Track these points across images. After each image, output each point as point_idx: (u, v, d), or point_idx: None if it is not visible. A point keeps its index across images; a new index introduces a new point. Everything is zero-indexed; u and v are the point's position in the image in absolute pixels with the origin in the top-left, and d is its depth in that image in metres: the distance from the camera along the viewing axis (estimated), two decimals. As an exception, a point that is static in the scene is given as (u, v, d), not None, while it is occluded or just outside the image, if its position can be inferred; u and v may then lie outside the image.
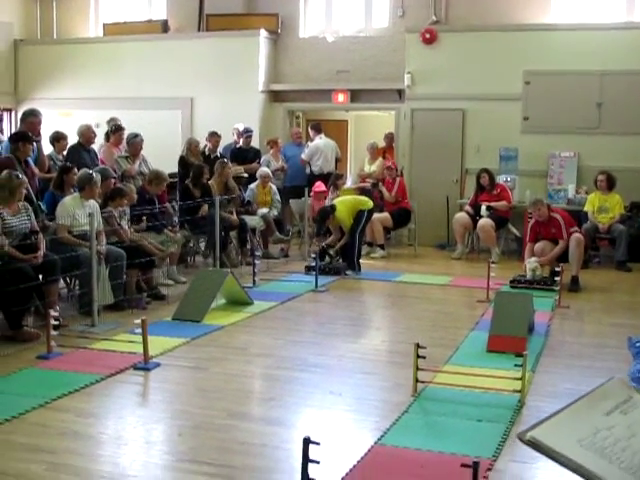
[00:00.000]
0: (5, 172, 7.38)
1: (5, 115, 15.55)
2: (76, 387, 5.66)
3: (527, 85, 12.84)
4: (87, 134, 10.37)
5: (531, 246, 10.02)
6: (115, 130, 11.14)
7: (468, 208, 12.16)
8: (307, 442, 3.73)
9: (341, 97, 14.34)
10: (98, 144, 11.04)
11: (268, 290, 9.32)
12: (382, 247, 12.29)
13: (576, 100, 12.56)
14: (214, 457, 4.46)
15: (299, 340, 7.23)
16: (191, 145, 11.90)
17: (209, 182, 11.05)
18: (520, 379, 5.39)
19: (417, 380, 5.60)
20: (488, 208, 11.81)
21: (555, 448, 1.75)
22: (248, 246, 11.30)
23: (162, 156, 11.82)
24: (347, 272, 10.64)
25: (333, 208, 10.80)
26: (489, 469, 4.31)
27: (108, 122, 11.78)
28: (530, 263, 9.70)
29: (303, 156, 13.30)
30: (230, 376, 6.12)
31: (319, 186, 12.43)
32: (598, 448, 1.74)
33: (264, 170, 12.18)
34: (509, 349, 6.37)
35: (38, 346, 6.67)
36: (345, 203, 10.98)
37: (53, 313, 6.63)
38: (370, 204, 11.20)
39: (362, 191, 13.41)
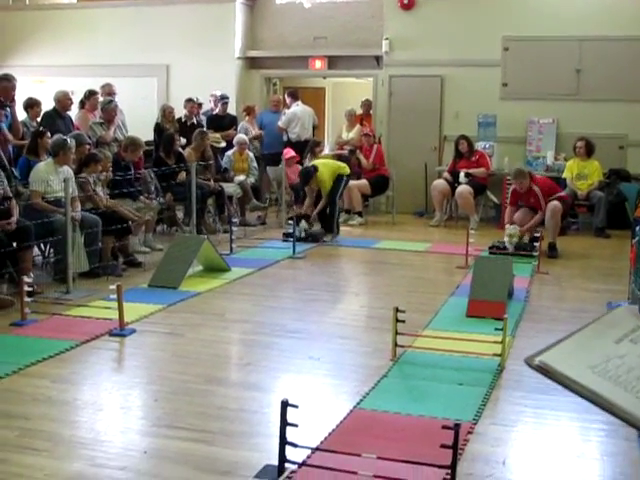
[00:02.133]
0: None
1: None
2: (51, 353, 5.56)
3: (506, 51, 12.75)
4: (63, 100, 10.22)
5: (512, 210, 10.03)
6: (89, 95, 10.98)
7: (446, 175, 12.10)
8: (285, 405, 3.67)
9: (318, 64, 14.20)
10: (74, 112, 10.88)
11: (245, 257, 9.24)
12: (360, 214, 12.23)
13: (555, 66, 12.48)
14: (191, 422, 4.40)
15: (277, 306, 7.17)
16: (165, 111, 11.79)
17: (186, 149, 10.93)
18: (500, 343, 5.35)
19: (396, 344, 5.55)
20: (467, 175, 11.74)
21: (567, 374, 1.67)
22: (225, 213, 11.19)
23: (138, 124, 11.68)
24: (325, 239, 10.60)
25: (315, 168, 10.81)
26: (470, 432, 4.27)
27: (103, 87, 11.61)
28: (509, 229, 9.66)
29: (280, 123, 13.15)
30: (207, 342, 6.05)
31: (288, 152, 12.26)
32: (612, 376, 1.67)
33: (241, 137, 12.07)
34: (489, 314, 6.34)
35: (12, 313, 6.56)
36: (327, 165, 11.05)
37: (27, 280, 6.52)
38: (348, 170, 11.22)
39: (339, 158, 13.30)
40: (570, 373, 1.67)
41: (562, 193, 10.22)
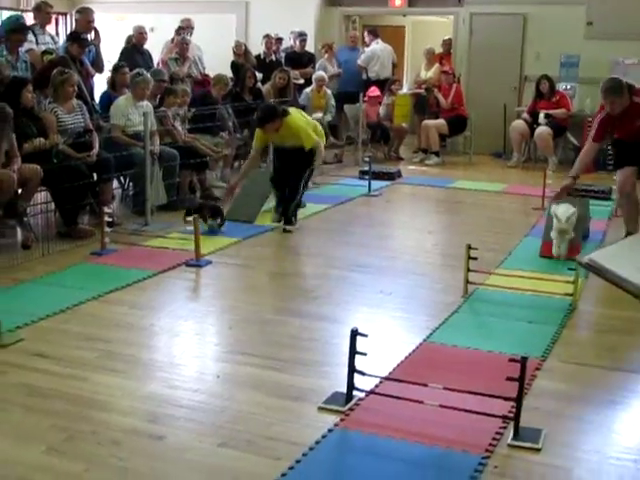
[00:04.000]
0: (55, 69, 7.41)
1: (60, 19, 15.50)
2: (129, 282, 5.73)
3: (591, -11, 12.41)
4: (138, 36, 10.38)
5: (592, 149, 7.01)
6: (178, 29, 11.14)
7: (526, 116, 11.91)
8: (355, 334, 3.74)
9: (398, 1, 13.99)
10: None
11: (320, 193, 9.29)
12: (437, 154, 12.14)
13: (643, 4, 12.10)
14: (263, 350, 4.51)
15: (350, 241, 7.21)
16: (235, 47, 11.85)
17: (264, 86, 10.97)
18: (573, 283, 5.32)
19: (468, 281, 5.57)
20: (546, 116, 11.54)
21: (615, 271, 1.72)
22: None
23: (217, 61, 11.72)
24: (286, 227, 7.54)
25: (285, 112, 7.59)
26: (538, 368, 4.29)
27: (182, 21, 11.71)
28: (558, 212, 6.34)
29: (360, 62, 13.10)
30: (280, 274, 6.15)
31: (373, 91, 12.26)
32: None
33: (320, 74, 12.03)
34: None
35: (92, 243, 6.75)
36: (307, 122, 7.88)
37: (107, 211, 6.71)
38: (322, 146, 7.86)
39: (417, 97, 13.25)
40: (618, 271, 1.70)
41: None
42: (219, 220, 7.18)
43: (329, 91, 12.12)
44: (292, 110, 7.75)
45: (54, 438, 3.44)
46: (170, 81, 9.87)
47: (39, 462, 3.25)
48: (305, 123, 7.72)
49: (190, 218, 6.69)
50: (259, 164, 8.59)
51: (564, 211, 6.03)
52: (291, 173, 7.58)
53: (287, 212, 7.58)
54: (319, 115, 11.58)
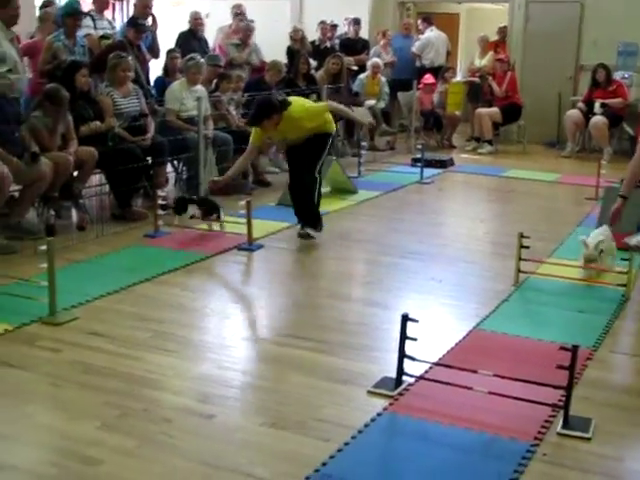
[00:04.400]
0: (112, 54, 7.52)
1: (117, 5, 15.66)
2: (181, 264, 5.81)
3: (652, -24, 12.19)
4: (194, 22, 10.45)
5: None
6: (235, 15, 11.20)
7: (581, 105, 11.75)
8: (406, 319, 3.75)
9: (454, -12, 13.92)
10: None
11: (373, 180, 9.30)
12: (490, 143, 12.05)
13: None
14: (313, 333, 4.54)
15: (401, 228, 7.21)
16: (293, 33, 11.87)
17: (318, 72, 10.98)
18: (626, 273, 5.27)
19: (519, 270, 5.55)
20: (602, 105, 11.38)
21: None
22: (355, 137, 11.23)
23: (269, 47, 11.74)
24: (307, 231, 6.65)
25: (285, 104, 6.45)
26: (589, 358, 4.26)
27: (233, 7, 11.75)
28: (593, 239, 5.77)
29: (414, 49, 13.08)
30: (331, 260, 6.18)
31: (428, 78, 12.20)
32: None
33: (375, 60, 12.00)
34: (616, 245, 6.21)
35: (145, 225, 6.85)
36: (309, 110, 6.61)
37: (161, 194, 6.80)
38: (333, 127, 6.80)
39: (471, 85, 13.17)
40: None
41: None
42: (215, 216, 6.71)
43: (383, 78, 12.09)
44: (294, 99, 6.70)
45: (108, 415, 3.51)
46: (229, 67, 9.92)
47: (93, 437, 3.31)
48: (314, 108, 6.69)
49: (192, 212, 6.70)
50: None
51: (593, 238, 5.93)
52: (302, 170, 6.57)
53: (303, 212, 6.64)
54: (372, 102, 11.58)
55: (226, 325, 4.77)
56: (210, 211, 6.70)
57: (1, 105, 6.34)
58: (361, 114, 10.80)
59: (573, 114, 11.77)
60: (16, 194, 6.49)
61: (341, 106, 7.25)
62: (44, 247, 4.61)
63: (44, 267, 4.64)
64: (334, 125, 6.79)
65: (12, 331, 4.49)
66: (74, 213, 7.15)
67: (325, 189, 8.00)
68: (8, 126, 6.37)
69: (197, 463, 3.13)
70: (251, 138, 6.64)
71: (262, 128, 6.46)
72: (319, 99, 9.79)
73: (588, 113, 11.52)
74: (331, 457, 3.18)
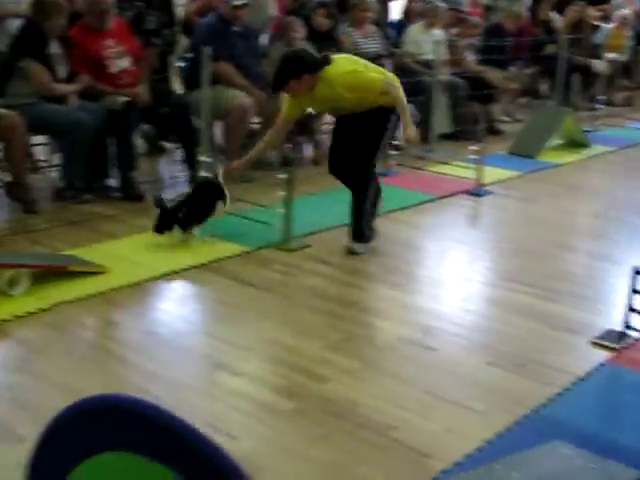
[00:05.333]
0: None
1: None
2: (411, 203, 5.94)
3: None
4: None
5: None
6: None
7: None
8: (636, 272, 3.68)
9: None
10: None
11: (608, 135, 8.99)
12: None
13: None
14: (537, 280, 4.53)
15: (636, 185, 6.96)
16: None
17: (558, 21, 10.67)
18: None
19: None
20: None
21: None
22: (591, 91, 10.85)
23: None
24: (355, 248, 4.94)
25: (323, 62, 4.73)
26: None
27: None
28: None
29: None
30: (560, 211, 6.09)
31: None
32: None
33: (625, 12, 11.45)
34: None
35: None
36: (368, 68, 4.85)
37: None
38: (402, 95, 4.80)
39: None
40: None
41: None
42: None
43: (629, 32, 11.54)
44: (340, 57, 4.90)
45: (334, 337, 3.69)
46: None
47: (320, 356, 3.50)
48: (362, 76, 4.69)
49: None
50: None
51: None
52: (348, 159, 4.89)
53: (355, 222, 4.96)
54: (612, 55, 11.09)
55: (450, 264, 4.85)
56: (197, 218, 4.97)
57: (247, 38, 6.64)
58: (598, 66, 10.43)
59: None
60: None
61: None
62: (283, 176, 4.84)
63: (280, 196, 4.87)
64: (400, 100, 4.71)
65: (249, 253, 4.77)
66: (310, 148, 7.38)
67: (555, 141, 7.83)
68: (253, 60, 6.66)
69: (417, 390, 3.24)
70: (282, 109, 4.97)
71: (291, 93, 4.78)
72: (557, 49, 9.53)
73: None
74: (550, 400, 3.20)
